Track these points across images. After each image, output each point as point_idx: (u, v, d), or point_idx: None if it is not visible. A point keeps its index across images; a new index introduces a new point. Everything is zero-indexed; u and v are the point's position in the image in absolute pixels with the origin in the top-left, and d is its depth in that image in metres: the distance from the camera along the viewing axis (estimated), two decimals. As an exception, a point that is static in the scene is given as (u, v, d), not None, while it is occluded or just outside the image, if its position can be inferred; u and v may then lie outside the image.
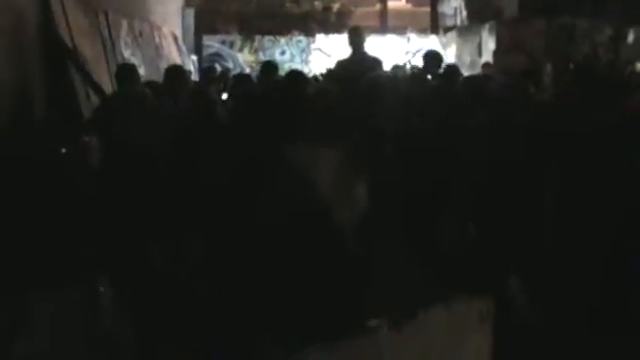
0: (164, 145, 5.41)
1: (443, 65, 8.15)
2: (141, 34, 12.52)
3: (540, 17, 14.33)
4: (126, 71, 6.83)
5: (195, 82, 10.71)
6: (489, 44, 14.89)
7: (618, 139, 5.01)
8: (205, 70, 12.22)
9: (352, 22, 21.46)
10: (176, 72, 6.66)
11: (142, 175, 5.12)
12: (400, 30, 21.38)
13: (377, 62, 7.69)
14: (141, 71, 11.17)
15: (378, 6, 26.15)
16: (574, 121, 5.35)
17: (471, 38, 16.22)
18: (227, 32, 20.18)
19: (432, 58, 8.18)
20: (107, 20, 10.36)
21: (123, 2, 11.61)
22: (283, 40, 19.67)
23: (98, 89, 7.99)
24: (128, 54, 11.11)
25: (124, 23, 11.36)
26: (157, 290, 4.00)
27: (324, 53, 18.59)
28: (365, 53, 7.87)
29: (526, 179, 5.24)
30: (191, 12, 18.48)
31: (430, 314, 1.77)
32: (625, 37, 12.97)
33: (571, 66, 9.73)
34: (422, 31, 21.75)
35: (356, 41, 7.97)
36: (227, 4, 20.99)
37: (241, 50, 19.34)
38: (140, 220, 4.68)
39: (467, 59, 16.08)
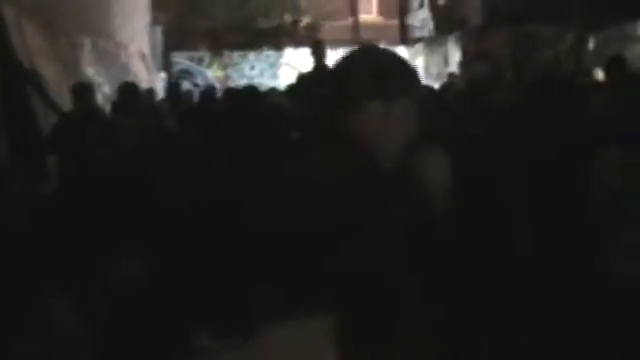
0: (117, 160, 5.41)
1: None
2: (106, 53, 12.51)
3: (504, 26, 14.47)
4: (81, 89, 6.84)
5: (160, 99, 10.70)
6: (455, 54, 15.00)
7: (579, 146, 5.03)
8: (171, 87, 12.23)
9: (322, 36, 21.54)
10: (128, 89, 6.67)
11: (97, 190, 5.11)
12: (373, 42, 21.49)
13: None
14: (106, 89, 11.20)
15: (349, 20, 26.31)
16: (534, 129, 5.38)
17: (438, 49, 16.34)
18: (196, 48, 20.20)
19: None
20: (69, 40, 10.36)
21: (87, 22, 11.59)
22: (252, 55, 19.72)
23: (57, 108, 7.98)
24: (92, 73, 11.10)
25: (87, 43, 11.35)
26: (113, 305, 3.99)
27: (293, 67, 18.64)
28: (326, 66, 7.90)
29: (483, 189, 5.25)
30: (158, 30, 18.48)
31: (271, 331, 1.74)
32: (586, 44, 13.11)
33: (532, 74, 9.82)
34: (393, 43, 21.88)
35: (317, 54, 8.03)
36: (196, 20, 21.00)
37: (210, 66, 19.37)
38: (96, 236, 4.67)
39: (435, 70, 16.19)
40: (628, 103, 6.23)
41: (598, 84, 7.52)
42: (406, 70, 1.93)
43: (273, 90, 8.46)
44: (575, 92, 6.39)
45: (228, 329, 1.89)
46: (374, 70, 1.87)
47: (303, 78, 8.03)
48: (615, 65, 7.58)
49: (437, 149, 1.89)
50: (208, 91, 9.27)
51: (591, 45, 13.05)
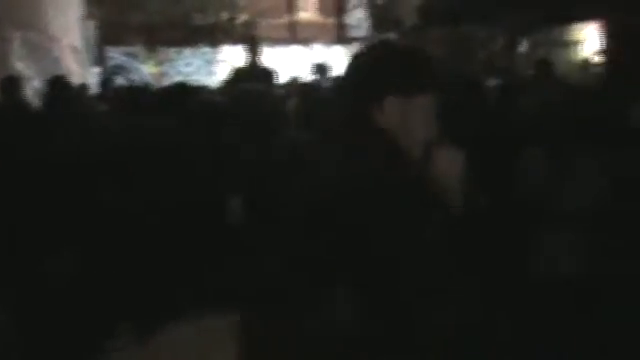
0: (44, 152, 5.33)
1: (331, 75, 8.27)
2: (37, 47, 12.29)
3: (439, 26, 14.66)
4: (8, 83, 6.73)
5: (93, 94, 10.55)
6: (390, 54, 15.10)
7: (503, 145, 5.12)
8: (104, 82, 12.08)
9: (259, 33, 21.48)
10: (58, 83, 6.58)
11: (29, 186, 5.02)
12: (309, 41, 21.53)
13: (266, 73, 7.73)
14: (35, 83, 10.98)
15: (286, 17, 26.27)
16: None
17: (374, 48, 16.42)
18: (131, 44, 19.95)
19: (319, 70, 8.31)
20: (-4, 34, 10.17)
21: (17, 15, 11.37)
22: (188, 52, 19.56)
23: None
24: (21, 67, 10.90)
25: (17, 36, 11.14)
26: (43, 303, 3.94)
27: (230, 64, 18.56)
28: (255, 63, 7.90)
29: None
30: (91, 24, 18.19)
31: (174, 329, 1.74)
32: (517, 45, 13.37)
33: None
34: (330, 42, 21.97)
35: (252, 50, 8.01)
36: (131, 15, 20.73)
37: (145, 62, 19.16)
38: (29, 232, 4.60)
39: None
40: (554, 104, 6.39)
41: (526, 85, 7.67)
42: (427, 67, 1.96)
43: (204, 87, 8.38)
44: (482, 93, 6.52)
45: (129, 328, 1.89)
46: (398, 66, 1.92)
47: (236, 74, 8.00)
48: (542, 67, 7.78)
49: (454, 148, 1.95)
50: (137, 87, 9.15)
51: (522, 48, 13.32)
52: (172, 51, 19.47)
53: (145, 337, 1.67)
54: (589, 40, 11.86)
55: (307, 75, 9.88)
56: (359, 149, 1.87)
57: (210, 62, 19.39)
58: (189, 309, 1.75)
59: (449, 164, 1.94)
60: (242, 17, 22.87)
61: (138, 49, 19.44)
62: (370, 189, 1.79)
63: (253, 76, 7.58)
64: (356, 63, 2.02)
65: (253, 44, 8.13)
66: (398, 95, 1.89)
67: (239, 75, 7.89)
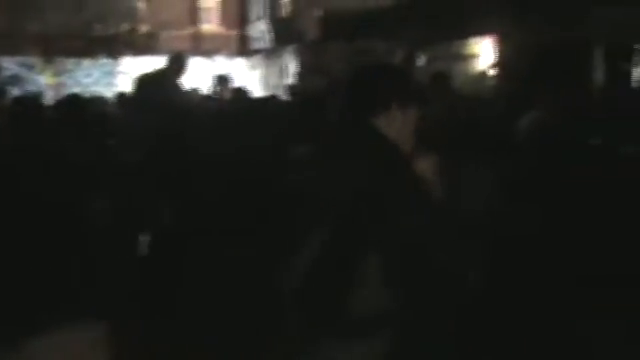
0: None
1: (232, 87, 8.24)
2: None
3: (339, 40, 14.79)
4: None
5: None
6: (291, 67, 15.18)
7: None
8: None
9: (161, 45, 21.26)
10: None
11: None
12: (211, 53, 21.42)
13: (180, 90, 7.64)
14: None
15: (189, 29, 26.08)
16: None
17: (275, 61, 16.48)
18: (28, 54, 19.41)
19: (221, 81, 8.27)
20: None
21: None
22: (88, 62, 19.18)
23: None
24: None
25: None
26: None
27: (130, 76, 18.29)
28: (172, 79, 7.72)
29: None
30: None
31: (36, 340, 1.71)
32: (415, 59, 13.60)
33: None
34: (232, 54, 21.92)
35: (177, 66, 7.76)
36: (28, 24, 20.18)
37: (42, 72, 18.68)
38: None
39: (272, 81, 16.31)
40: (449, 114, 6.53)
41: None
42: (415, 83, 2.32)
43: (99, 98, 8.22)
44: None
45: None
46: (399, 81, 2.28)
47: (146, 86, 7.72)
48: (437, 80, 7.92)
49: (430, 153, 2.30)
50: (26, 98, 8.89)
51: (421, 62, 13.55)
52: (71, 62, 19.02)
53: (11, 346, 1.63)
54: (484, 54, 12.18)
55: (208, 86, 9.82)
56: (365, 153, 2.18)
57: (110, 73, 19.05)
58: (56, 320, 1.72)
59: (427, 166, 2.28)
60: (143, 28, 22.59)
61: (35, 59, 18.91)
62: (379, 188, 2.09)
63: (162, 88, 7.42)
64: (362, 77, 2.35)
65: (180, 60, 7.88)
66: (398, 106, 2.25)
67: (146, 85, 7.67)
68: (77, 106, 5.69)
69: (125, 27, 21.92)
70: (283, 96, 11.14)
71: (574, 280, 4.08)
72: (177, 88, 7.56)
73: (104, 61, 19.44)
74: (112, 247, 3.88)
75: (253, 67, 18.45)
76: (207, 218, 5.62)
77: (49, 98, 15.76)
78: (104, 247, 3.72)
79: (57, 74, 18.84)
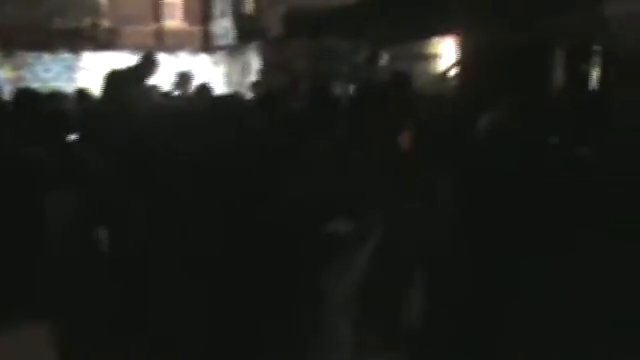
0: None
1: (194, 84, 8.21)
2: None
3: (302, 38, 14.79)
4: None
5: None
6: (254, 64, 15.15)
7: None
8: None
9: (124, 41, 21.09)
10: None
11: None
12: (175, 49, 21.29)
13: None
14: None
15: (152, 25, 25.86)
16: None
17: (238, 58, 16.43)
18: (-15, 47, 19.12)
19: (182, 77, 8.23)
20: None
21: None
22: (48, 57, 18.92)
23: None
24: None
25: None
26: None
27: (91, 71, 18.12)
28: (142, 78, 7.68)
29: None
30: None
31: None
32: (378, 58, 13.63)
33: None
34: (196, 50, 21.79)
35: (149, 65, 7.74)
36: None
37: (1, 66, 18.39)
38: None
39: (235, 78, 16.26)
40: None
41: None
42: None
43: (58, 93, 8.13)
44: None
45: None
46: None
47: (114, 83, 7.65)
48: (398, 79, 7.97)
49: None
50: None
51: (384, 61, 13.60)
52: (31, 55, 18.75)
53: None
54: (446, 54, 12.27)
55: (170, 83, 9.77)
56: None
57: (71, 68, 18.81)
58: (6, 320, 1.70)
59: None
60: (106, 23, 22.35)
61: (-7, 53, 18.65)
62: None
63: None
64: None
65: (151, 59, 7.84)
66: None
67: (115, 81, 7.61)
68: (30, 100, 5.64)
69: (87, 21, 21.66)
70: (246, 93, 11.13)
71: (526, 273, 4.14)
72: (146, 87, 7.55)
73: (65, 56, 19.19)
74: (69, 247, 3.85)
75: (216, 64, 18.37)
76: (171, 218, 5.60)
77: (8, 92, 15.56)
78: (61, 247, 3.69)
79: (16, 68, 18.57)
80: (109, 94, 7.35)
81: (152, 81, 9.70)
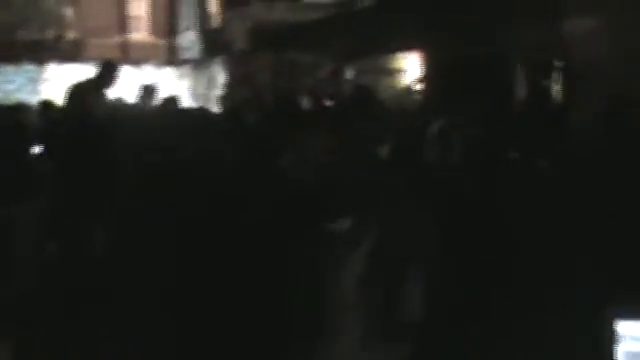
0: None
1: (159, 97, 8.22)
2: None
3: (267, 51, 14.86)
4: None
5: None
6: (219, 77, 15.17)
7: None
8: None
9: (89, 53, 20.99)
10: None
11: None
12: (140, 62, 21.23)
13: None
14: None
15: (118, 37, 25.78)
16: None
17: (204, 71, 16.45)
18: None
19: (146, 90, 8.23)
20: None
21: None
22: (10, 68, 18.74)
23: None
24: None
25: None
26: None
27: (55, 83, 17.97)
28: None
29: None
30: None
31: None
32: (343, 72, 13.76)
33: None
34: (162, 64, 21.75)
35: (108, 75, 7.72)
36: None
37: (-38, 78, 18.25)
38: None
39: (200, 92, 16.27)
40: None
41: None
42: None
43: (21, 106, 8.10)
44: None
45: None
46: None
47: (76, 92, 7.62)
48: (360, 93, 8.03)
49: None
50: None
51: (348, 75, 13.72)
52: (-8, 67, 18.60)
53: None
54: (409, 68, 12.42)
55: (134, 96, 9.75)
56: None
57: (34, 80, 18.66)
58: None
59: None
60: (70, 35, 22.24)
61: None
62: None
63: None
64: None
65: (111, 69, 7.82)
66: None
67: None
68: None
69: (51, 33, 21.53)
70: (212, 107, 11.15)
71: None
72: (105, 97, 7.53)
73: (28, 67, 19.02)
74: (26, 260, 3.84)
75: (181, 77, 18.35)
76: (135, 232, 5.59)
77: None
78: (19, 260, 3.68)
79: (-24, 79, 18.42)
80: (71, 106, 7.32)
81: (116, 93, 9.71)
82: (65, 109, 7.57)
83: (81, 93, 7.48)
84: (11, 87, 18.24)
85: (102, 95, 7.50)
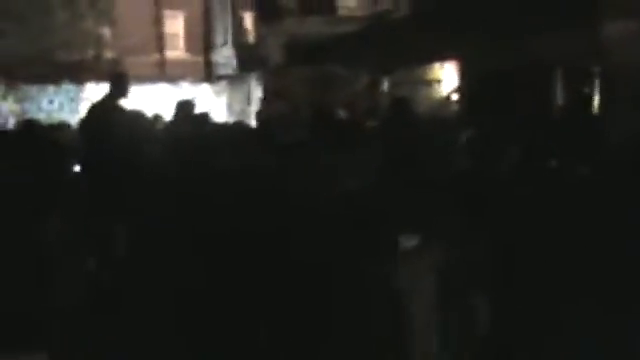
0: None
1: (194, 113, 8.24)
2: None
3: (303, 65, 14.88)
4: None
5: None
6: (256, 92, 15.23)
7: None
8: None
9: (127, 71, 21.18)
10: None
11: None
12: (177, 79, 21.41)
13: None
14: None
15: (155, 55, 26.08)
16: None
17: (240, 87, 16.52)
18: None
19: (182, 106, 8.26)
20: None
21: None
22: (51, 88, 19.02)
23: None
24: None
25: None
26: None
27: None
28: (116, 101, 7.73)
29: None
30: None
31: None
32: (380, 84, 13.73)
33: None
34: (198, 80, 21.90)
35: (118, 87, 7.82)
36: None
37: (5, 99, 18.51)
38: None
39: (237, 107, 16.34)
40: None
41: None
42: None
43: (61, 124, 8.19)
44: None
45: None
46: None
47: (94, 111, 7.79)
48: (398, 105, 8.01)
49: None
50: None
51: (385, 87, 13.68)
52: (34, 88, 18.86)
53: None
54: (447, 79, 12.33)
55: (171, 113, 9.80)
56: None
57: (74, 100, 18.89)
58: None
59: None
60: (109, 54, 22.53)
61: (-4, 86, 18.75)
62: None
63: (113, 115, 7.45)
64: None
65: (121, 81, 7.91)
66: None
67: (98, 112, 7.71)
68: (30, 132, 5.68)
69: (90, 53, 21.84)
70: (249, 122, 11.18)
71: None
72: (120, 110, 7.58)
73: (67, 87, 19.27)
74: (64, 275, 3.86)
75: (218, 93, 18.44)
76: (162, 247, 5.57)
77: (11, 124, 15.65)
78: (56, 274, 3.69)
79: (19, 100, 18.68)
80: (90, 126, 7.45)
81: (155, 110, 9.79)
82: (84, 129, 7.67)
83: (97, 111, 7.60)
84: (52, 107, 18.51)
85: (118, 108, 7.57)
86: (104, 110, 7.57)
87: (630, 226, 4.16)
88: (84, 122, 7.77)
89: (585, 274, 4.08)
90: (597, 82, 8.76)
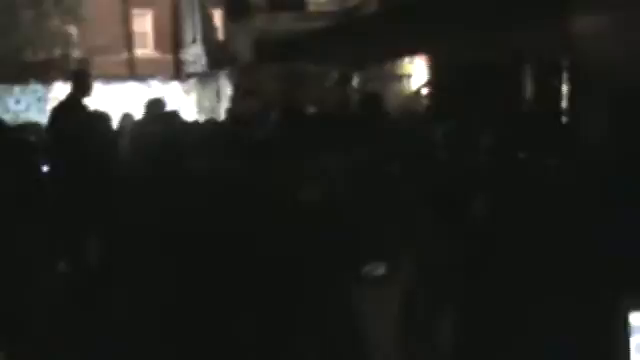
0: None
1: (163, 111, 8.17)
2: None
3: (273, 62, 14.82)
4: None
5: None
6: (226, 90, 15.16)
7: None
8: None
9: (96, 71, 21.01)
10: None
11: None
12: (146, 78, 21.28)
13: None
14: None
15: (124, 54, 25.88)
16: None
17: (210, 84, 16.44)
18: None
19: (152, 104, 8.18)
20: None
21: None
22: (18, 88, 18.81)
23: None
24: None
25: None
26: None
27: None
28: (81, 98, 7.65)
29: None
30: None
31: None
32: (350, 81, 13.70)
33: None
34: (168, 78, 21.78)
35: (79, 85, 7.75)
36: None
37: (-30, 99, 18.32)
38: None
39: (207, 105, 16.25)
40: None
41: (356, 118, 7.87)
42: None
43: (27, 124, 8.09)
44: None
45: None
46: None
47: (57, 111, 7.69)
48: (369, 100, 7.98)
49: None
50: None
51: (355, 83, 13.67)
52: (0, 88, 18.64)
53: None
54: (417, 73, 12.36)
55: (140, 111, 9.71)
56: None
57: (41, 100, 18.70)
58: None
59: None
60: (77, 53, 22.31)
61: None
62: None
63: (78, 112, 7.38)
64: None
65: (82, 79, 7.85)
66: None
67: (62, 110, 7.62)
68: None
69: (57, 52, 21.60)
70: (219, 119, 11.13)
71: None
72: (84, 110, 7.51)
73: (35, 87, 19.06)
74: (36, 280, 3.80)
75: (188, 91, 18.33)
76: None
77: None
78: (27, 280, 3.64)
79: (-15, 100, 18.48)
80: (55, 125, 7.38)
81: (125, 109, 9.70)
82: (50, 129, 7.59)
83: (60, 112, 7.52)
84: (19, 107, 18.31)
85: (82, 107, 7.50)
86: (67, 110, 7.49)
87: (598, 223, 4.19)
88: (48, 123, 7.69)
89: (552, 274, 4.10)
90: (566, 75, 8.82)
